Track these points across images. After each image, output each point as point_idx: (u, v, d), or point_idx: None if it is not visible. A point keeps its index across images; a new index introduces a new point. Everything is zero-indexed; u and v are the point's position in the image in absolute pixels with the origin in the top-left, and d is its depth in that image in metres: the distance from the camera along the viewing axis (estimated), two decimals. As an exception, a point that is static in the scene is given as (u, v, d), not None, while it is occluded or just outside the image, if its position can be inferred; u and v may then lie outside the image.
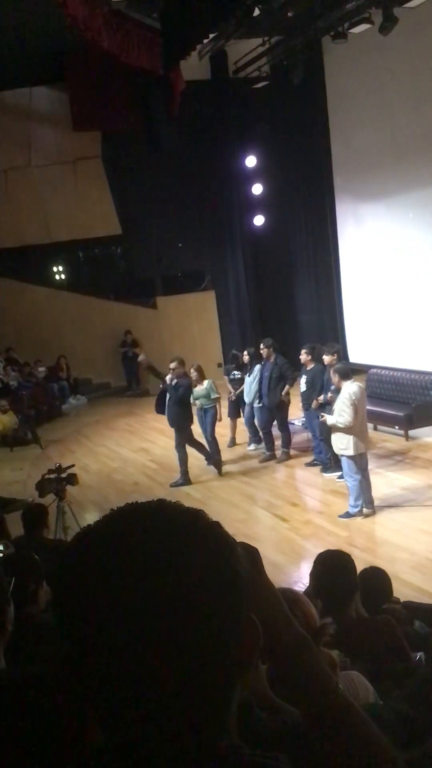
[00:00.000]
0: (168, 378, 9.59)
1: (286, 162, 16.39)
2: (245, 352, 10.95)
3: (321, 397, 9.12)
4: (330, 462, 9.49)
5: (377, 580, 4.16)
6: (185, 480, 9.84)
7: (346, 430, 7.55)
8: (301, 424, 10.55)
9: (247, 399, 10.68)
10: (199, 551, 0.79)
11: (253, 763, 0.77)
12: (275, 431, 10.51)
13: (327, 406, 8.55)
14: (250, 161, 16.36)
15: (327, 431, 8.79)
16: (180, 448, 9.76)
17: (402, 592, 5.47)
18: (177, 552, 0.78)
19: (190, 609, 0.75)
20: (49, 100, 16.08)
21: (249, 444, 11.18)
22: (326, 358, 8.99)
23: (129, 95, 15.24)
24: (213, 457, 10.05)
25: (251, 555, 0.99)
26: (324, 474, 9.49)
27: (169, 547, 0.78)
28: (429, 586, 6.03)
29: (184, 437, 9.74)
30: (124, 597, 0.74)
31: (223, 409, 10.63)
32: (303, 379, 9.56)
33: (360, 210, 14.91)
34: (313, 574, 3.22)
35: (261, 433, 10.72)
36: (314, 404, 9.33)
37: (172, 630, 0.74)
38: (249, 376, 10.62)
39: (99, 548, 0.79)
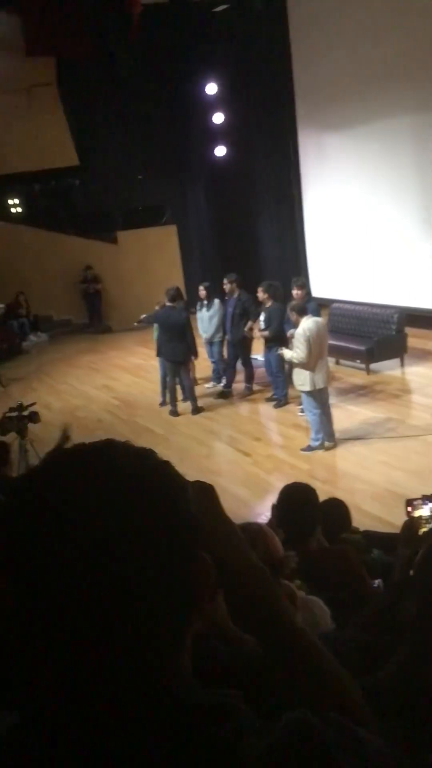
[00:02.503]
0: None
1: (248, 90, 15.95)
2: (201, 287, 10.78)
3: (267, 333, 9.35)
4: (284, 399, 9.60)
5: (336, 510, 4.24)
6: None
7: (302, 365, 7.58)
8: (263, 359, 10.57)
9: (204, 335, 10.63)
10: (147, 491, 0.77)
11: (203, 702, 0.76)
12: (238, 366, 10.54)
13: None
14: (211, 89, 15.90)
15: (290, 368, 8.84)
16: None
17: (362, 521, 5.60)
18: (124, 492, 0.76)
19: (137, 549, 0.74)
20: (0, 24, 15.31)
21: (208, 382, 11.17)
22: (294, 292, 8.97)
23: (84, 19, 14.58)
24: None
25: (207, 492, 0.98)
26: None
27: (115, 487, 0.76)
28: (387, 515, 6.18)
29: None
30: (69, 538, 0.72)
31: None
32: (261, 317, 9.52)
33: (323, 141, 14.67)
34: (277, 506, 3.26)
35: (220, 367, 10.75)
36: (247, 328, 9.85)
37: (119, 571, 0.73)
38: (209, 311, 10.55)
39: (42, 489, 0.76)
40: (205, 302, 10.58)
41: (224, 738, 0.72)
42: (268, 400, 10.02)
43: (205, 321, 10.58)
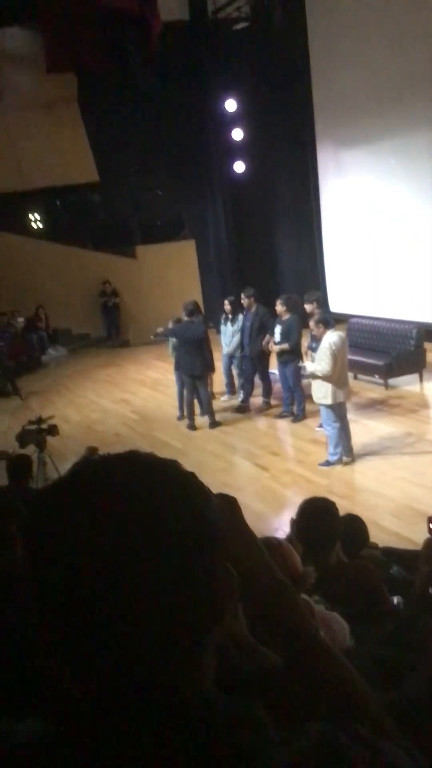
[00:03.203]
0: None
1: (266, 106, 16.02)
2: (226, 301, 10.82)
3: (286, 346, 9.30)
4: (302, 413, 9.58)
5: (354, 526, 4.21)
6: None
7: (325, 379, 7.56)
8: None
9: (225, 348, 10.66)
10: (172, 500, 0.78)
11: (227, 713, 0.77)
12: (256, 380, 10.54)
13: (306, 357, 8.59)
14: (230, 105, 15.98)
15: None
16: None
17: (380, 537, 5.56)
18: (148, 502, 0.76)
19: (161, 558, 0.74)
20: (21, 41, 15.51)
21: (224, 395, 11.19)
22: (307, 307, 8.95)
23: (105, 36, 14.74)
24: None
25: (230, 504, 0.99)
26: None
27: (140, 497, 0.76)
28: (406, 531, 6.14)
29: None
30: (94, 546, 0.73)
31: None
32: (278, 330, 9.51)
33: (341, 156, 14.70)
34: (297, 521, 3.24)
35: (239, 382, 10.76)
36: (264, 342, 9.74)
37: (143, 579, 0.73)
38: (233, 325, 10.56)
39: (69, 498, 0.77)
40: (230, 316, 10.60)
41: (249, 748, 0.72)
42: (278, 417, 9.99)
43: (228, 335, 10.60)
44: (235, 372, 10.95)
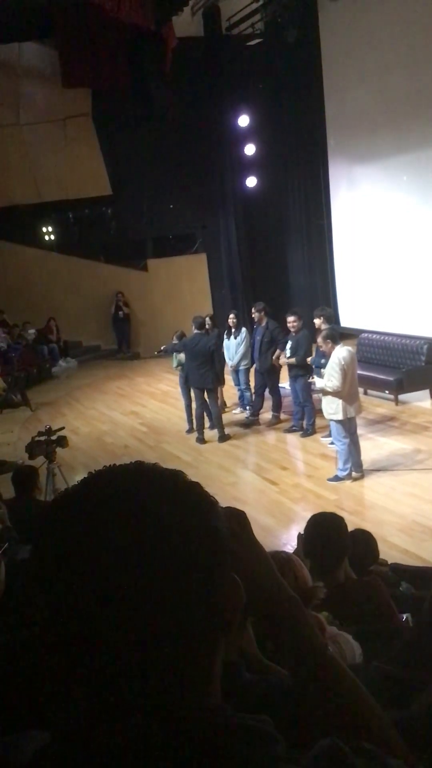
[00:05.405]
0: None
1: (279, 122, 16.13)
2: (231, 315, 10.88)
3: (293, 360, 9.35)
4: (312, 428, 9.55)
5: (363, 542, 4.19)
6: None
7: (335, 394, 7.54)
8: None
9: (229, 362, 10.68)
10: (178, 510, 0.78)
11: (237, 726, 0.76)
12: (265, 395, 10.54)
13: (315, 371, 8.56)
14: (243, 121, 16.08)
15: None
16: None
17: (389, 554, 5.53)
18: (155, 511, 0.77)
19: (168, 568, 0.75)
20: (38, 56, 15.70)
21: (235, 408, 11.21)
22: (316, 322, 8.95)
23: (120, 52, 14.89)
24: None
25: (238, 517, 0.99)
26: (321, 439, 9.48)
27: (147, 507, 0.77)
28: (415, 548, 6.10)
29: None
30: (101, 557, 0.73)
31: None
32: (288, 345, 9.51)
33: (353, 172, 14.75)
34: (306, 535, 3.22)
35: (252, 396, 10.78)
36: (275, 357, 9.76)
37: (150, 589, 0.73)
38: (236, 338, 10.62)
39: (77, 509, 0.78)
40: (233, 330, 10.66)
41: (260, 763, 0.72)
42: (287, 431, 9.97)
43: (232, 348, 10.65)
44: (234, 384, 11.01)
